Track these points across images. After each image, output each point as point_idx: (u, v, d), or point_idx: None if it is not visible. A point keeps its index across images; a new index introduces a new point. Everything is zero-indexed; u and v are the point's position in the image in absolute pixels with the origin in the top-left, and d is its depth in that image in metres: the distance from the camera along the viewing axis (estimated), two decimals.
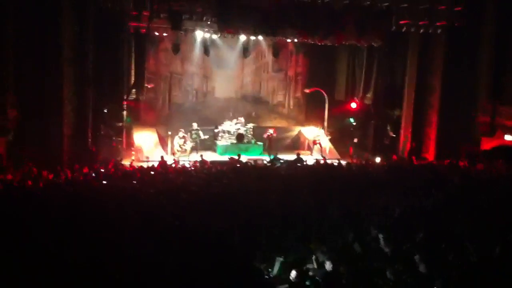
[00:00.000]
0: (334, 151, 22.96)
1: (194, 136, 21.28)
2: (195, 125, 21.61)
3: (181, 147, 20.74)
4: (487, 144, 20.04)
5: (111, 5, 17.64)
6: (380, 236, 7.54)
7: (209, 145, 22.48)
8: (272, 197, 10.21)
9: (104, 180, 13.31)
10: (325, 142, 23.13)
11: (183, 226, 7.86)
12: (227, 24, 18.77)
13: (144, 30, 19.61)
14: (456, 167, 17.00)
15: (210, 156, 20.36)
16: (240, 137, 22.40)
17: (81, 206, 9.14)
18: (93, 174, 14.30)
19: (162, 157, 18.23)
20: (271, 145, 22.08)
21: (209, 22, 19.04)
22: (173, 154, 20.38)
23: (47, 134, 16.81)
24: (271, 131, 22.59)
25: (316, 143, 22.61)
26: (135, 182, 13.04)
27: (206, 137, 21.81)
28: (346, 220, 8.54)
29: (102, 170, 15.08)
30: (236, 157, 17.93)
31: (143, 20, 18.80)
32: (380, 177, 14.48)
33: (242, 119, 22.92)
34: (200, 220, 8.27)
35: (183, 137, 20.87)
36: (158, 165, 16.61)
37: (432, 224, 8.58)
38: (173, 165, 17.06)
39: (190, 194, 10.63)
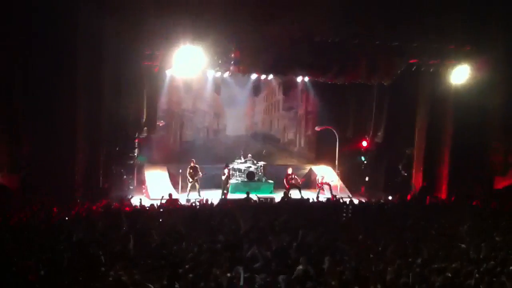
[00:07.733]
0: (345, 189, 22.79)
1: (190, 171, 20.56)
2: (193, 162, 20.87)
3: (190, 176, 20.48)
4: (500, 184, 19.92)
5: (124, 45, 17.94)
6: None
7: (220, 183, 22.42)
8: None
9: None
10: (335, 180, 22.97)
11: None
12: (238, 63, 18.97)
13: (157, 69, 19.88)
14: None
15: (220, 194, 20.26)
16: (250, 175, 22.36)
17: None
18: None
19: (170, 194, 18.03)
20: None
21: (220, 62, 19.22)
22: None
23: (60, 171, 16.80)
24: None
25: (323, 184, 21.84)
26: None
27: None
28: None
29: None
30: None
31: (156, 59, 19.07)
32: None
33: (249, 156, 22.91)
34: None
35: (193, 167, 20.60)
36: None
37: None
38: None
39: None
